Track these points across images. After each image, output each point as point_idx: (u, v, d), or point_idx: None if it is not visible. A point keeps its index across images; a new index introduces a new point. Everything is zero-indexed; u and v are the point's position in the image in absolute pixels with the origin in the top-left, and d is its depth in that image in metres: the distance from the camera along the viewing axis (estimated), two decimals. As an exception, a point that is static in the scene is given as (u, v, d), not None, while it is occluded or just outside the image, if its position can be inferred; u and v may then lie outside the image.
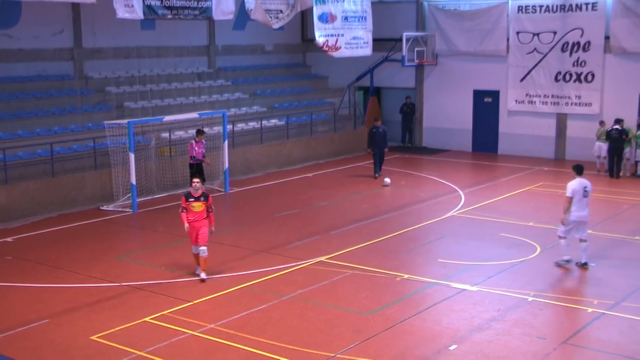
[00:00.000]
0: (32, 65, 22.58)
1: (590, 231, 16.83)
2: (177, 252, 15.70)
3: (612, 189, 21.69)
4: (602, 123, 24.08)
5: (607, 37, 25.38)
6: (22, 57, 22.29)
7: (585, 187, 14.40)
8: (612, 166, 23.38)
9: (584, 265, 14.31)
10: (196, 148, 20.21)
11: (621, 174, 23.38)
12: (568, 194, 14.28)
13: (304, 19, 30.71)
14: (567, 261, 14.43)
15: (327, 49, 23.85)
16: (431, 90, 29.64)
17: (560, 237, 14.48)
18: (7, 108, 21.05)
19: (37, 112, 21.47)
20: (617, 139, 23.11)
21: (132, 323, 11.72)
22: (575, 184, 14.36)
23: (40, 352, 10.73)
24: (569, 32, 25.99)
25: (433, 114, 29.72)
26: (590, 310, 12.20)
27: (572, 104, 26.36)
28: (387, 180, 22.02)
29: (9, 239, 16.66)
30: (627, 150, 23.39)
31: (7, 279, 13.95)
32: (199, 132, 20.42)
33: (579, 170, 14.51)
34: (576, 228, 14.35)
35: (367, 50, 25.57)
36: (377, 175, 23.16)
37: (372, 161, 23.56)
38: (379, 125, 23.22)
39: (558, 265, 14.45)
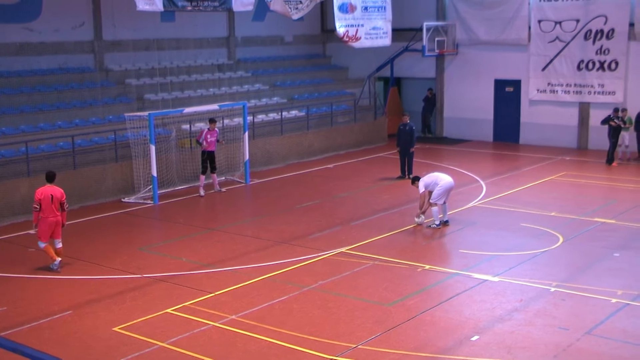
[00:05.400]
0: (53, 58, 22.71)
1: (613, 221, 16.77)
2: (198, 243, 15.75)
3: (633, 178, 21.47)
4: (623, 110, 23.83)
5: (631, 24, 25.06)
6: (43, 50, 22.43)
7: (430, 175, 16.71)
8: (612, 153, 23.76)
9: (446, 223, 16.64)
10: (208, 136, 20.17)
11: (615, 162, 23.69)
12: (421, 190, 16.46)
13: (324, 9, 30.60)
14: (439, 224, 16.48)
15: (347, 39, 23.75)
16: (452, 80, 29.46)
17: (432, 204, 16.47)
18: (29, 101, 21.20)
19: (58, 104, 21.60)
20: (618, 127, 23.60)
21: (154, 314, 11.77)
22: (424, 180, 16.51)
23: (63, 343, 10.80)
24: (592, 19, 25.70)
25: (454, 104, 29.56)
26: (614, 300, 12.07)
27: (595, 92, 26.08)
28: (420, 219, 16.85)
29: (31, 231, 16.74)
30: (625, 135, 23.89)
31: (30, 270, 14.07)
32: (212, 121, 20.42)
33: (417, 178, 16.87)
34: (446, 194, 16.51)
35: (386, 41, 25.44)
36: (402, 176, 21.93)
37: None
38: (406, 122, 22.02)
39: (429, 226, 16.54)
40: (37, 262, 14.49)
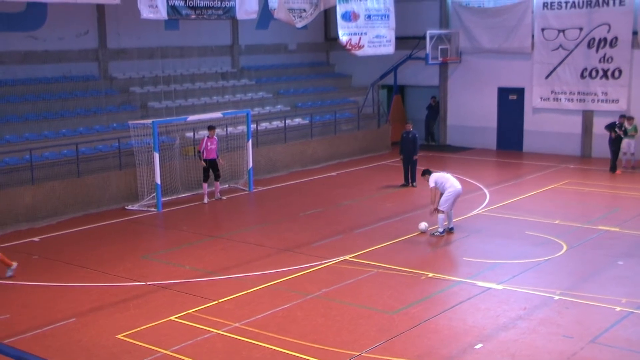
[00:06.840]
0: (57, 66, 22.78)
1: (617, 229, 16.73)
2: (201, 251, 15.76)
3: (637, 186, 21.49)
4: (630, 119, 23.82)
5: (634, 33, 25.08)
6: (47, 58, 22.50)
7: (442, 174, 16.77)
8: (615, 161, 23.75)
9: (451, 230, 16.65)
10: (209, 144, 20.21)
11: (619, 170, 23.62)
12: (431, 185, 16.50)
13: (327, 17, 30.68)
14: (443, 232, 16.43)
15: (350, 47, 23.79)
16: (455, 88, 29.48)
17: (438, 211, 16.40)
18: (33, 109, 21.26)
19: (62, 112, 21.66)
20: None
21: (158, 322, 11.76)
22: (435, 176, 16.61)
23: (67, 351, 10.80)
24: (595, 28, 25.71)
25: (457, 112, 29.57)
26: (618, 309, 12.04)
27: (598, 100, 26.08)
28: (423, 225, 16.88)
29: (35, 239, 16.81)
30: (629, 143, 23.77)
31: (34, 278, 14.08)
32: (211, 128, 20.45)
33: (428, 171, 16.96)
34: (453, 201, 16.47)
35: (389, 49, 25.49)
36: (405, 184, 21.92)
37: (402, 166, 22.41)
38: (409, 130, 22.02)
39: (433, 234, 16.48)
40: (40, 270, 14.51)
